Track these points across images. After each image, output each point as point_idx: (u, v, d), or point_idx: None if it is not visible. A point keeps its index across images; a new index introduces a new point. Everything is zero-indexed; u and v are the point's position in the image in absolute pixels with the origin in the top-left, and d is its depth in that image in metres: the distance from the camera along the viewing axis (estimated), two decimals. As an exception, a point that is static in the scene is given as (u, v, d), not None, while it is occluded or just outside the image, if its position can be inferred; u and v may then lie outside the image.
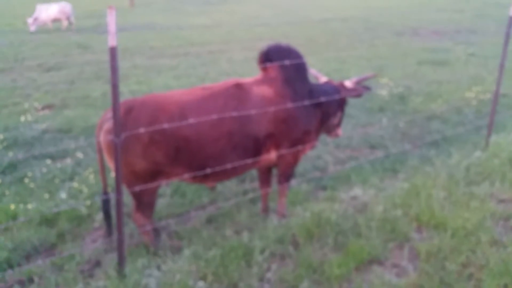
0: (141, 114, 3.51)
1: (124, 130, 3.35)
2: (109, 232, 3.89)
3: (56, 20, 18.41)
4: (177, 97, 3.71)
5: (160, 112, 3.55)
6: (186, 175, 3.71)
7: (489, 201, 4.50)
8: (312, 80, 4.32)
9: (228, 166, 3.75)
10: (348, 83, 4.39)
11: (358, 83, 4.43)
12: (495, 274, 3.43)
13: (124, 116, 3.45)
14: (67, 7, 18.40)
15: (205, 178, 3.81)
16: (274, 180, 4.50)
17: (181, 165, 3.66)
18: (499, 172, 5.05)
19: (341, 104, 4.44)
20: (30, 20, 17.42)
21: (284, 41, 4.46)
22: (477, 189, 4.68)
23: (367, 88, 4.43)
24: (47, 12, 17.90)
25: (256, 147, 3.89)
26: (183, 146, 3.58)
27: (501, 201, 4.61)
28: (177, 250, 3.86)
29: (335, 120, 4.46)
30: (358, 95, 4.41)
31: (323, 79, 4.51)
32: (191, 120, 3.51)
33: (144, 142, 3.48)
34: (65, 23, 18.51)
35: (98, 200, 4.49)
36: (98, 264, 3.78)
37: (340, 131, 4.63)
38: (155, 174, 3.62)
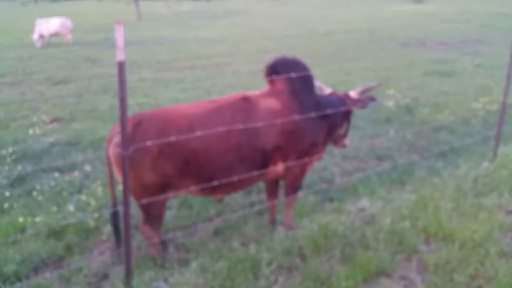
0: (150, 128, 3.54)
1: (133, 144, 3.38)
2: (118, 244, 3.91)
3: (56, 35, 18.58)
4: (185, 110, 3.74)
5: (169, 126, 3.58)
6: (195, 188, 3.72)
7: (498, 213, 4.47)
8: (317, 92, 4.34)
9: (236, 178, 3.77)
10: (353, 94, 4.40)
11: (362, 93, 4.43)
12: (504, 286, 3.41)
13: (133, 130, 3.49)
14: (68, 21, 18.64)
15: (213, 190, 3.83)
16: (281, 192, 4.50)
17: (190, 178, 3.68)
18: (507, 183, 5.02)
19: (347, 115, 4.45)
20: (35, 37, 17.59)
21: (289, 53, 4.50)
22: (485, 201, 4.65)
23: (373, 99, 4.43)
24: (47, 26, 18.05)
25: (264, 160, 3.91)
26: (192, 159, 3.60)
27: (510, 212, 4.57)
28: (184, 263, 3.86)
29: (341, 131, 4.47)
30: (364, 106, 4.42)
31: (327, 90, 4.52)
32: (201, 133, 3.54)
33: (154, 155, 3.51)
34: (69, 37, 18.68)
35: (106, 213, 4.51)
36: (105, 276, 3.79)
37: (347, 141, 4.63)
38: (164, 186, 3.63)
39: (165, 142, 3.48)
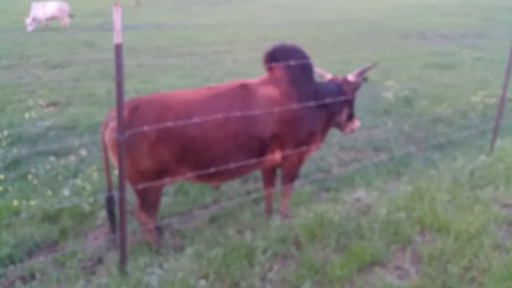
0: (148, 113, 3.51)
1: (130, 129, 3.36)
2: (113, 230, 3.90)
3: (52, 18, 18.35)
4: (183, 96, 3.71)
5: (167, 111, 3.55)
6: (192, 174, 3.71)
7: (493, 206, 4.49)
8: (318, 78, 4.30)
9: (234, 166, 3.75)
10: (351, 77, 4.35)
11: (359, 75, 4.37)
12: (497, 278, 3.42)
13: (130, 115, 3.46)
14: (65, 5, 18.38)
15: (210, 177, 3.82)
16: (278, 181, 4.49)
17: (187, 164, 3.66)
18: (503, 176, 5.03)
19: (347, 100, 4.38)
20: (28, 20, 17.31)
21: (289, 41, 4.45)
22: (481, 193, 4.66)
23: (364, 79, 4.40)
24: (44, 9, 17.74)
25: (261, 148, 3.89)
26: (189, 145, 3.58)
27: (505, 205, 4.58)
28: (180, 249, 3.85)
29: (342, 117, 4.38)
30: (357, 87, 4.37)
31: (328, 76, 4.48)
32: (199, 119, 3.52)
33: (151, 141, 3.48)
34: (67, 21, 18.47)
35: (101, 198, 4.50)
36: (100, 261, 3.78)
37: (356, 125, 4.51)
38: (161, 173, 3.61)
39: (163, 128, 3.45)
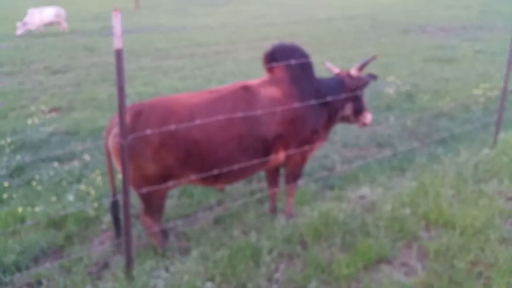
0: (151, 117, 3.51)
1: (134, 134, 3.36)
2: (118, 234, 3.90)
3: (50, 24, 18.39)
4: (186, 100, 3.70)
5: (170, 116, 3.55)
6: (196, 178, 3.70)
7: (498, 199, 4.47)
8: (327, 72, 4.27)
9: (238, 167, 3.75)
10: (353, 71, 4.32)
11: (361, 68, 4.33)
12: (504, 272, 3.41)
13: (134, 120, 3.46)
14: (62, 10, 18.47)
15: (215, 180, 3.81)
16: (282, 180, 4.49)
17: (191, 168, 3.66)
18: (507, 169, 5.01)
19: (351, 95, 4.33)
20: (19, 24, 17.34)
21: (289, 40, 4.45)
22: (485, 187, 4.64)
23: (374, 77, 4.36)
24: (41, 15, 17.76)
25: (265, 148, 3.89)
26: (194, 149, 3.58)
27: (510, 198, 4.56)
28: (185, 251, 3.86)
29: (346, 112, 4.33)
30: (365, 84, 4.33)
31: (335, 70, 4.45)
32: (203, 123, 3.51)
33: (155, 146, 3.48)
34: (64, 25, 18.51)
35: (106, 202, 4.50)
36: (106, 266, 3.79)
37: (368, 119, 4.42)
38: (165, 177, 3.61)
39: (167, 132, 3.45)
